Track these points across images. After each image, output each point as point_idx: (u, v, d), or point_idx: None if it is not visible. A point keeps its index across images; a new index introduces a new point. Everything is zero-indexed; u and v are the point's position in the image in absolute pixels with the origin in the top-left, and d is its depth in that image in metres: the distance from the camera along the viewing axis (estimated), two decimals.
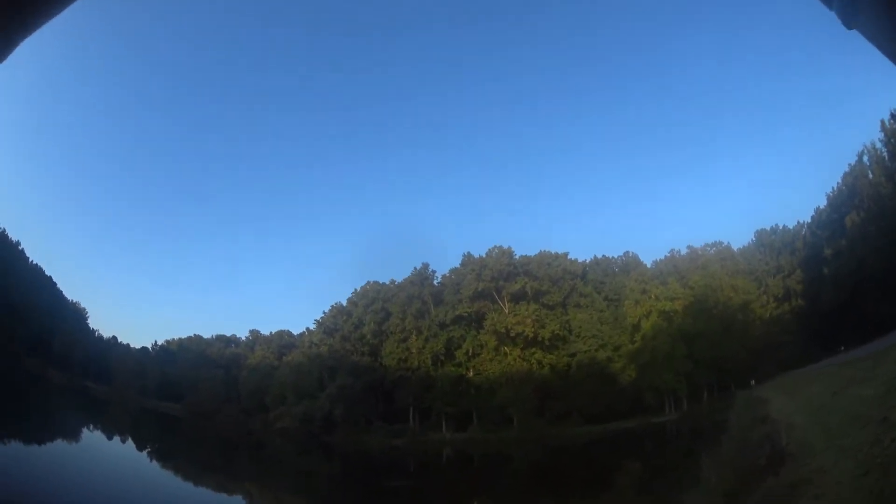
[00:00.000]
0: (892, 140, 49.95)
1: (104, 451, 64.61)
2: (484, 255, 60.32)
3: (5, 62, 1.37)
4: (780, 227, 77.03)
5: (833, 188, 63.86)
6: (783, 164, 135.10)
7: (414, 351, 58.84)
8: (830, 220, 62.62)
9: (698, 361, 60.98)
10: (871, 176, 54.47)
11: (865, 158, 56.17)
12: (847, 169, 60.25)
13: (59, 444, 57.86)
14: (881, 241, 46.26)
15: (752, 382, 54.80)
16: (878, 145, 52.60)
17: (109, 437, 74.91)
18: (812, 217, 68.98)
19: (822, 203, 65.96)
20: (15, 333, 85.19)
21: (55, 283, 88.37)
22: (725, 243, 76.40)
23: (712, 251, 74.31)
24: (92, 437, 71.06)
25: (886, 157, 51.45)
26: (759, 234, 78.23)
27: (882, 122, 50.73)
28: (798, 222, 74.16)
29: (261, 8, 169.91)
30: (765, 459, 14.91)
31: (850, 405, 15.59)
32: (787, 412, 22.56)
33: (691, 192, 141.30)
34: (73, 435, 64.49)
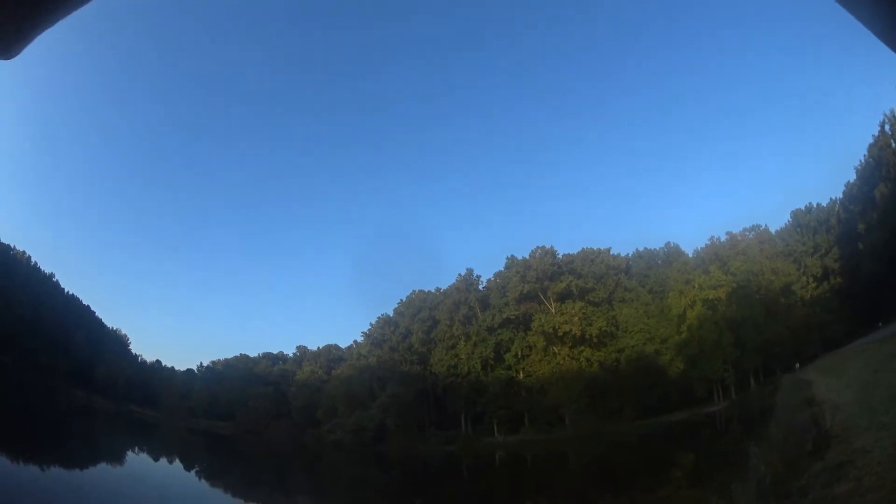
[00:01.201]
0: None
1: (150, 472, 65.01)
2: (527, 257, 60.11)
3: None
4: (815, 206, 75.84)
5: (860, 161, 63.15)
6: (815, 140, 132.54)
7: (463, 357, 58.74)
8: (861, 193, 61.67)
9: (744, 348, 60.41)
10: (893, 145, 53.65)
11: (887, 127, 55.31)
12: (871, 140, 59.36)
13: (102, 468, 58.21)
14: None
15: (797, 365, 54.52)
16: None
17: (156, 459, 75.31)
18: (843, 192, 67.98)
19: (853, 177, 65.22)
20: (56, 365, 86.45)
21: (94, 312, 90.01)
22: (763, 226, 75.48)
23: (751, 235, 73.49)
24: (137, 459, 71.42)
25: None
26: (795, 214, 76.96)
27: None
28: (831, 199, 72.94)
29: (271, 11, 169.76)
30: (810, 444, 14.65)
31: (891, 381, 15.59)
32: (831, 393, 22.33)
33: (727, 178, 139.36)
34: (117, 458, 64.77)
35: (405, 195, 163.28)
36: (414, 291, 62.96)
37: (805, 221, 73.27)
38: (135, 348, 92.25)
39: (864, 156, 63.46)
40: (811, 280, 67.11)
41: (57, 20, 1.27)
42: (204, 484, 66.96)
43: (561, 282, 57.99)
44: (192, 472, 68.59)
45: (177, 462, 74.49)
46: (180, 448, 79.44)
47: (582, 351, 59.89)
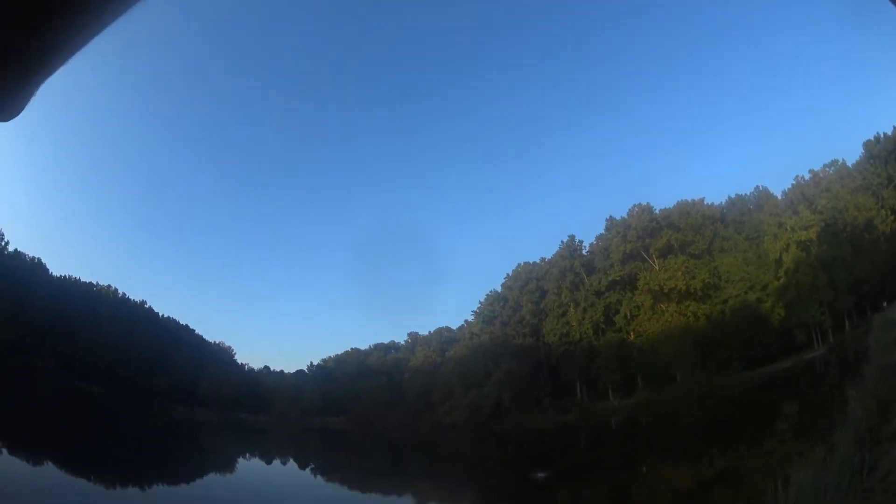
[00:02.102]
0: None
1: (263, 476, 67.44)
2: (626, 216, 60.90)
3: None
4: (883, 135, 74.33)
5: None
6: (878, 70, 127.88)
7: (574, 324, 59.90)
8: None
9: (838, 288, 60.01)
10: None
11: None
12: None
13: (211, 478, 60.38)
14: None
15: (885, 304, 53.87)
16: None
17: (268, 462, 78.03)
18: None
19: None
20: (157, 387, 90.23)
21: (193, 331, 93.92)
22: (842, 161, 74.36)
23: (831, 171, 72.65)
24: (248, 465, 73.92)
25: None
26: (867, 145, 75.36)
27: None
28: (895, 126, 71.52)
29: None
30: None
31: None
32: None
33: (802, 114, 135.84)
34: (227, 467, 67.25)
35: (502, 169, 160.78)
36: (520, 264, 64.54)
37: (877, 152, 71.90)
38: (241, 358, 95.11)
39: None
40: (889, 213, 66.17)
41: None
42: (319, 480, 69.60)
43: (661, 237, 58.61)
44: (307, 470, 71.14)
45: (291, 462, 77.16)
46: (293, 448, 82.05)
47: (688, 306, 60.28)
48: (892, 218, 67.11)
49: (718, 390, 59.55)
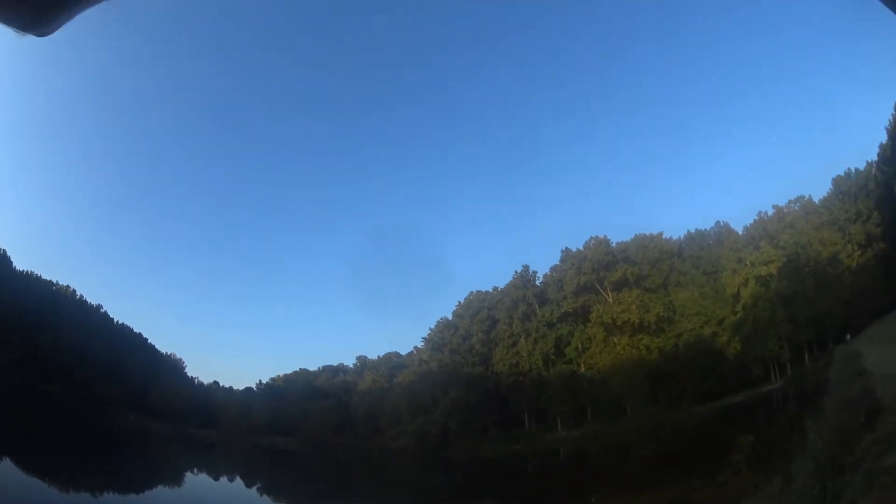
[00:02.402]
0: None
1: (210, 491, 65.57)
2: (582, 248, 60.10)
3: None
4: (853, 171, 74.61)
5: (889, 119, 61.91)
6: (852, 102, 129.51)
7: (524, 354, 58.89)
8: (893, 153, 60.70)
9: (797, 323, 59.76)
10: None
11: None
12: None
13: (160, 491, 58.82)
14: None
15: (848, 336, 53.69)
16: None
17: (216, 478, 75.95)
18: (878, 154, 66.94)
19: (884, 139, 63.88)
20: (109, 394, 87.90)
21: (146, 339, 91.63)
22: (807, 197, 74.45)
23: (797, 207, 72.62)
24: (196, 480, 71.99)
25: None
26: (836, 181, 75.75)
27: None
28: (868, 162, 71.75)
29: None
30: (863, 415, 14.70)
31: None
32: (882, 363, 22.52)
33: (770, 151, 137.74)
34: (175, 480, 65.58)
35: (449, 201, 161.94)
36: (471, 293, 63.53)
37: (846, 188, 72.12)
38: (191, 371, 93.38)
39: (892, 114, 62.58)
40: (856, 248, 66.15)
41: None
42: (266, 500, 67.71)
43: (616, 271, 57.85)
44: (254, 488, 69.23)
45: (238, 480, 75.06)
46: (241, 466, 79.98)
47: (641, 339, 59.57)
48: (859, 252, 67.04)
49: (671, 423, 58.86)
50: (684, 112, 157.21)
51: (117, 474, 55.03)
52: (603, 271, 58.13)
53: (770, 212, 69.70)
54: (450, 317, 63.73)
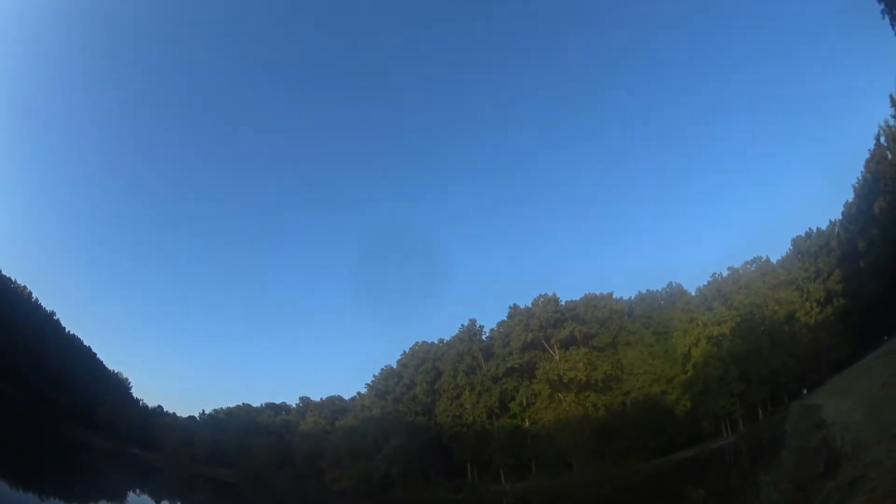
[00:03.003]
0: None
1: None
2: (530, 305, 59.69)
3: None
4: (815, 231, 75.65)
5: (858, 178, 62.75)
6: (812, 165, 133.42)
7: (468, 407, 58.24)
8: (860, 211, 61.30)
9: (750, 380, 59.99)
10: (890, 156, 51.91)
11: (883, 139, 53.40)
12: (868, 155, 58.80)
13: None
14: None
15: (804, 391, 54.25)
16: (892, 122, 50.00)
17: (157, 501, 74.42)
18: (842, 212, 67.76)
19: (850, 197, 64.84)
20: (58, 402, 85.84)
21: (94, 354, 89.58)
22: (765, 258, 75.41)
23: (753, 268, 73.36)
24: (139, 500, 70.52)
25: None
26: (796, 241, 76.85)
27: (891, 96, 47.52)
28: (830, 221, 72.82)
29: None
30: (822, 466, 14.58)
31: None
32: (840, 414, 22.24)
33: (726, 214, 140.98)
34: (118, 497, 64.20)
35: (405, 239, 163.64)
36: (417, 343, 62.75)
37: (806, 247, 73.03)
38: (136, 392, 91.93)
39: (862, 172, 62.98)
40: (815, 305, 66.81)
41: None
42: None
43: (564, 329, 57.58)
44: None
45: None
46: (182, 492, 78.40)
47: (588, 396, 59.30)
48: (818, 309, 67.69)
49: (618, 478, 58.50)
50: (641, 174, 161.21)
51: (65, 483, 54.27)
52: (550, 329, 57.88)
53: (725, 273, 70.40)
54: (394, 365, 63.17)
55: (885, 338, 46.06)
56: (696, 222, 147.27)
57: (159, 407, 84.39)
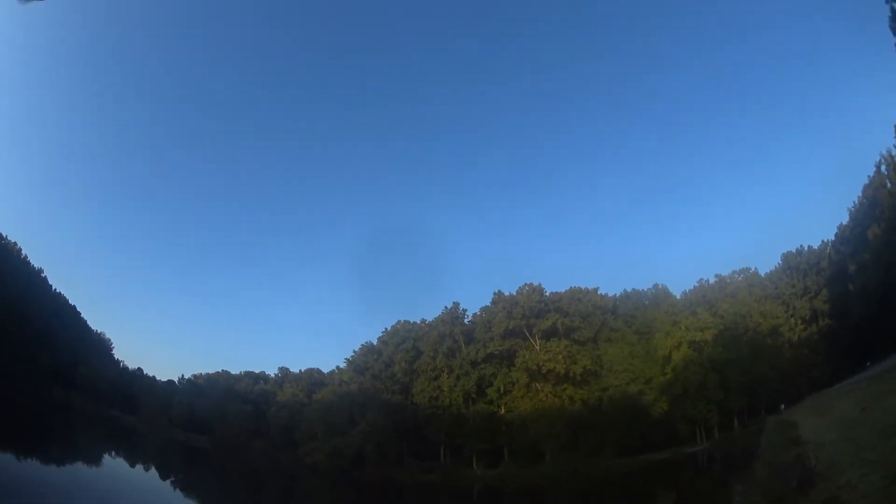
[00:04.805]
0: None
1: (125, 476, 64.43)
2: (514, 293, 59.97)
3: None
4: (806, 249, 76.28)
5: (854, 202, 63.19)
6: (810, 184, 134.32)
7: (445, 389, 58.50)
8: (854, 235, 61.73)
9: (729, 389, 60.28)
10: (889, 185, 52.49)
11: (883, 168, 53.84)
12: (867, 181, 59.27)
13: (79, 468, 57.82)
14: None
15: (782, 406, 54.73)
16: (895, 151, 50.55)
17: (132, 465, 74.77)
18: (836, 235, 68.29)
19: (846, 219, 65.31)
20: (38, 359, 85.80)
21: (79, 313, 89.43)
22: (753, 269, 76.09)
23: (740, 278, 73.89)
24: (114, 463, 70.83)
25: None
26: (786, 257, 77.48)
27: (895, 126, 47.66)
28: (823, 241, 73.41)
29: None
30: (795, 481, 14.69)
31: (878, 418, 15.71)
32: (817, 432, 22.24)
33: (720, 222, 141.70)
34: (94, 459, 64.52)
35: (396, 222, 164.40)
36: (399, 321, 63.02)
37: (795, 264, 73.60)
38: (117, 354, 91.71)
39: (859, 197, 63.55)
40: (799, 322, 67.47)
41: None
42: (179, 495, 66.49)
43: (547, 319, 57.88)
44: (168, 481, 68.06)
45: (153, 470, 73.78)
46: (157, 457, 78.78)
47: (565, 389, 59.66)
48: (802, 326, 68.28)
49: (591, 473, 58.79)
50: (639, 175, 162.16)
51: (42, 442, 54.48)
52: (533, 318, 58.16)
53: (712, 280, 70.87)
54: (374, 342, 63.41)
55: (869, 363, 46.18)
56: (686, 227, 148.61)
57: (139, 369, 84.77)
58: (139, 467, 74.86)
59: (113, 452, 75.79)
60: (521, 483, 60.48)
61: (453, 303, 63.20)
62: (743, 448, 48.09)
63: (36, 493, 29.95)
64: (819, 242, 71.99)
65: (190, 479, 66.34)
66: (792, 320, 68.36)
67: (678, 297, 67.94)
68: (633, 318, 64.19)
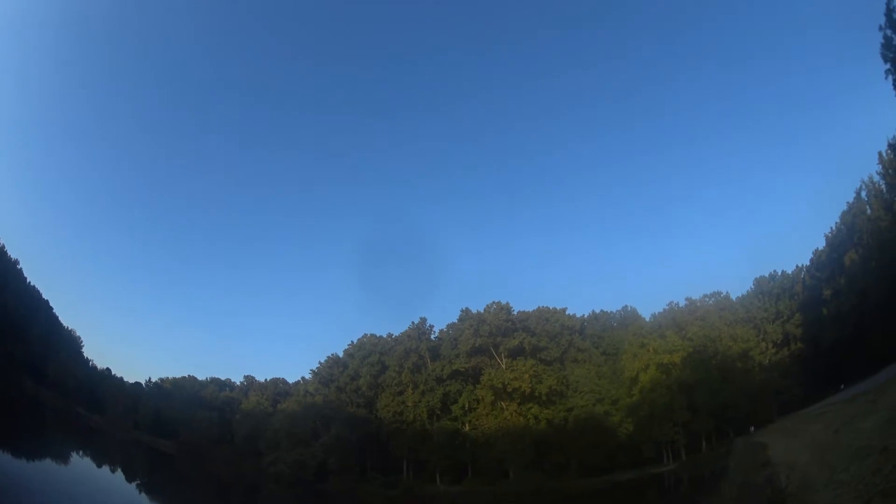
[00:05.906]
0: (890, 171, 47.78)
1: (92, 477, 63.89)
2: (482, 311, 60.14)
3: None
4: (779, 274, 77.13)
5: (832, 228, 63.88)
6: (785, 210, 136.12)
7: (410, 404, 58.46)
8: (829, 260, 62.57)
9: (697, 411, 60.44)
10: (869, 211, 53.44)
11: (864, 194, 54.85)
12: (846, 208, 59.83)
13: (48, 464, 57.45)
14: (882, 272, 44.91)
15: (752, 428, 55.18)
16: (877, 178, 51.22)
17: (99, 465, 74.19)
18: (811, 260, 69.27)
19: (821, 245, 66.10)
20: (11, 353, 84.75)
21: (51, 308, 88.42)
22: (724, 293, 76.43)
23: (711, 302, 74.23)
24: (81, 462, 70.26)
25: (885, 189, 49.67)
26: (758, 281, 78.28)
27: (880, 153, 48.67)
28: (797, 266, 74.31)
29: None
30: (765, 503, 14.70)
31: (851, 440, 15.69)
32: (788, 454, 22.26)
33: (691, 246, 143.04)
34: (63, 458, 63.99)
35: (369, 234, 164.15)
36: (365, 334, 62.98)
37: (768, 288, 74.38)
38: (86, 352, 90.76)
39: (836, 223, 64.32)
40: (770, 346, 68.05)
41: None
42: (144, 498, 66.07)
43: (514, 338, 58.07)
44: (133, 484, 67.62)
45: (119, 472, 73.31)
46: (123, 459, 78.24)
47: (530, 408, 59.83)
48: (773, 350, 68.82)
49: (555, 491, 58.91)
50: (611, 197, 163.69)
51: (12, 438, 54.21)
52: (500, 336, 58.35)
53: (682, 303, 71.37)
54: (340, 354, 63.35)
55: (843, 386, 46.39)
56: (658, 250, 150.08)
57: (108, 370, 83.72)
58: (105, 468, 74.45)
59: (80, 451, 75.30)
60: (484, 499, 60.56)
61: (420, 318, 63.52)
62: (710, 469, 48.53)
63: (9, 489, 29.74)
64: (793, 268, 72.65)
65: (154, 484, 65.98)
66: (763, 344, 68.85)
67: (647, 319, 68.51)
68: (601, 339, 64.67)
